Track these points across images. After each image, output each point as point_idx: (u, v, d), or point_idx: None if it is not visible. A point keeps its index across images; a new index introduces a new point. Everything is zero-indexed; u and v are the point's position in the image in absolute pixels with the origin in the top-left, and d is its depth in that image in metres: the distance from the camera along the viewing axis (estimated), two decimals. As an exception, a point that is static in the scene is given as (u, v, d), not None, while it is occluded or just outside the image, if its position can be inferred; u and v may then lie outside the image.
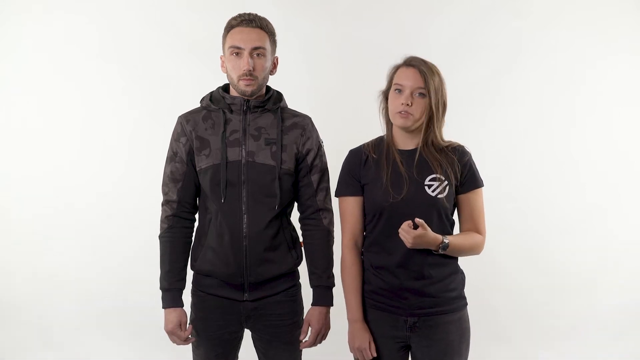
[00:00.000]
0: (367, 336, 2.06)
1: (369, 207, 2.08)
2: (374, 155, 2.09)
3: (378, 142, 2.12)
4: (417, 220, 1.92)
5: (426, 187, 2.03)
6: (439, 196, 2.02)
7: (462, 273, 2.13)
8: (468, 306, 2.13)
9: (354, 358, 2.14)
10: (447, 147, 2.07)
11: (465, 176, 2.07)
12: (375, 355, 2.07)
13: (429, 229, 1.94)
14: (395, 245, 2.01)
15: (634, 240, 3.55)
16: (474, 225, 2.09)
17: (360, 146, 2.15)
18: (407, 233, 1.92)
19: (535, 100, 3.52)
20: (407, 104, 1.99)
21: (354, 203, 2.10)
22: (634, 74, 3.53)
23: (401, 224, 1.94)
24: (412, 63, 2.03)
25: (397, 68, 2.06)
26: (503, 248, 3.44)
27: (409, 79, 2.00)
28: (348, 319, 2.11)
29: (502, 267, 3.49)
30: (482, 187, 2.11)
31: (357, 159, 2.11)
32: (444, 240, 1.98)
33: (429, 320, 2.04)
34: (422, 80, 1.99)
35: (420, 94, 2.00)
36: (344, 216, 2.12)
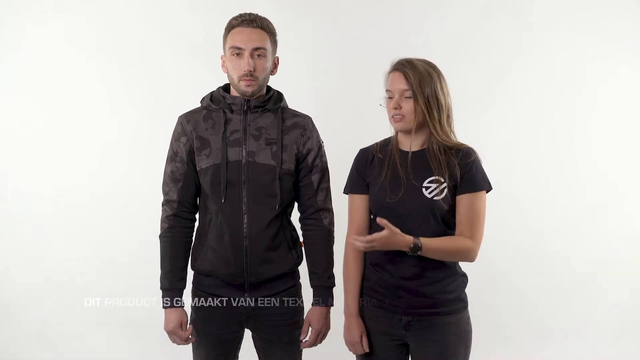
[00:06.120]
0: (360, 330, 2.09)
1: (371, 206, 2.10)
2: (380, 156, 2.10)
3: (386, 143, 2.13)
4: (379, 220, 1.89)
5: (423, 189, 2.02)
6: (435, 198, 2.00)
7: (464, 276, 2.11)
8: (469, 306, 2.12)
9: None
10: (452, 148, 2.03)
11: (463, 178, 2.01)
12: (367, 350, 2.10)
13: (395, 229, 1.89)
14: None
15: (634, 240, 3.55)
16: (467, 229, 2.00)
17: (370, 146, 2.17)
18: (355, 240, 1.90)
19: (535, 100, 3.51)
20: (396, 108, 2.00)
21: (359, 201, 2.12)
22: (634, 75, 3.52)
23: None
24: (397, 67, 2.03)
25: (388, 74, 2.07)
26: (503, 248, 3.45)
27: (395, 83, 2.02)
28: (344, 312, 2.14)
29: (502, 267, 3.49)
30: (483, 192, 2.03)
31: (365, 158, 2.13)
32: (415, 241, 1.93)
33: (424, 320, 2.04)
34: (405, 82, 1.99)
35: (407, 96, 1.99)
36: (350, 213, 2.15)
